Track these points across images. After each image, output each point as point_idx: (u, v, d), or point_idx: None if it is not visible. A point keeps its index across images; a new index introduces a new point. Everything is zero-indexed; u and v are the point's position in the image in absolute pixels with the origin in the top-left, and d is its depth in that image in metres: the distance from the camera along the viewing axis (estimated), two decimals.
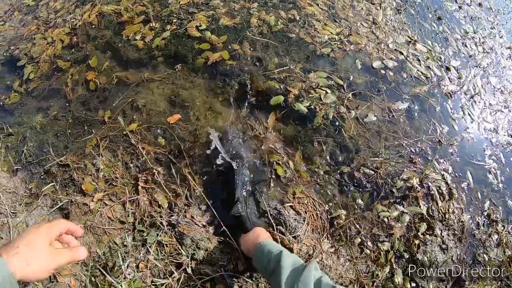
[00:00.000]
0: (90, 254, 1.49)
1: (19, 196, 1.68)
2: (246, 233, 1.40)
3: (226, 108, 1.76)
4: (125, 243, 1.46)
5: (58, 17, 2.29)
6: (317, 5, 2.14)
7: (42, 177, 1.69)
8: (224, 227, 1.46)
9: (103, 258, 1.47)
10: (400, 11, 2.37)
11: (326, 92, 1.78)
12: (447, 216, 1.63)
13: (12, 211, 1.63)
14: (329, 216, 1.57)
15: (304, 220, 1.53)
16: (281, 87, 1.77)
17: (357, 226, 1.56)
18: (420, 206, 1.62)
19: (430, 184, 1.66)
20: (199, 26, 1.94)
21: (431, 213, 1.61)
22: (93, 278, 1.45)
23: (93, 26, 2.13)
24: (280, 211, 1.52)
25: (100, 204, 1.54)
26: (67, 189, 1.62)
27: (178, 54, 1.90)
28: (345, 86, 1.83)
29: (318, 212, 1.57)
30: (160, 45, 1.93)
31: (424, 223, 1.60)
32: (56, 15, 2.33)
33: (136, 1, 2.15)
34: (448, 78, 2.09)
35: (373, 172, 1.64)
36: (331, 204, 1.58)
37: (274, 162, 1.63)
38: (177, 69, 1.85)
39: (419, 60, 2.09)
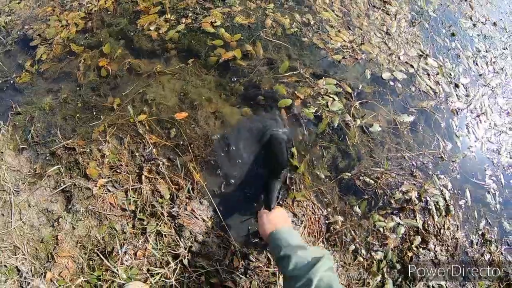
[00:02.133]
0: (89, 238, 1.52)
1: (23, 175, 1.71)
2: (267, 213, 1.34)
3: (234, 108, 1.77)
4: (124, 230, 1.49)
5: (74, 1, 2.29)
6: (333, 11, 2.14)
7: (47, 158, 1.71)
8: (223, 223, 1.50)
9: (102, 243, 1.50)
10: (414, 24, 2.37)
11: (334, 100, 1.78)
12: (442, 231, 1.65)
13: (15, 189, 1.66)
14: (326, 221, 1.59)
15: (301, 223, 1.56)
16: (289, 91, 1.78)
17: (353, 233, 1.58)
18: (416, 220, 1.63)
19: (428, 198, 1.67)
20: (213, 22, 1.95)
21: (427, 227, 1.63)
22: (90, 262, 1.48)
23: (109, 13, 2.14)
24: None
25: (103, 190, 1.57)
26: (71, 172, 1.65)
27: (191, 49, 1.91)
28: (353, 95, 1.84)
29: (316, 216, 1.59)
30: (174, 38, 1.93)
31: (419, 237, 1.62)
32: None
33: None
34: (456, 95, 2.09)
35: (373, 182, 1.66)
36: (329, 209, 1.60)
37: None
38: (189, 64, 1.86)
39: (429, 75, 2.09)
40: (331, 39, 1.99)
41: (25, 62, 2.08)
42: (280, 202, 1.55)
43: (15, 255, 1.50)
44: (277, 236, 1.19)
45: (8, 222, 1.57)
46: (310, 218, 1.58)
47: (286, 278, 1.09)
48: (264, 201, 1.47)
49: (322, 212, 1.59)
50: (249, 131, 1.70)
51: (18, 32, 2.25)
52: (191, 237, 1.46)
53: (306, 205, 1.59)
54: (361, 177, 1.66)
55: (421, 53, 2.20)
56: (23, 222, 1.57)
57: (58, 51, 2.03)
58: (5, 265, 1.48)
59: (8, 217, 1.59)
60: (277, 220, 1.29)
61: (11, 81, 2.01)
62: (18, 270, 1.48)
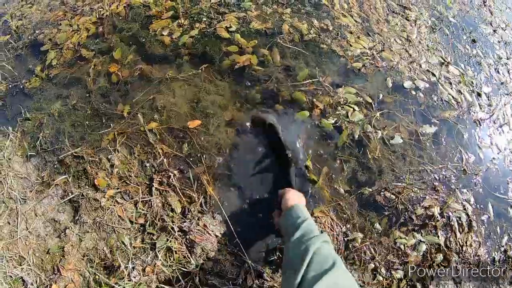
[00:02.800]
0: (96, 251, 1.46)
1: (31, 182, 1.66)
2: (291, 190, 1.39)
3: (249, 116, 1.70)
4: (133, 245, 1.43)
5: (86, 5, 2.26)
6: (352, 16, 2.07)
7: (55, 166, 1.66)
8: (237, 239, 1.41)
9: (109, 257, 1.43)
10: (435, 30, 2.29)
11: (354, 110, 1.71)
12: (464, 248, 1.56)
13: (22, 197, 1.61)
14: (345, 238, 1.51)
15: None
16: (308, 100, 1.71)
17: (373, 251, 1.50)
18: (438, 236, 1.55)
19: (450, 214, 1.58)
20: (228, 27, 1.89)
21: (449, 245, 1.54)
22: (97, 276, 1.42)
23: (120, 18, 2.09)
24: None
25: (112, 201, 1.50)
26: (79, 181, 1.59)
27: (205, 54, 1.85)
28: (373, 104, 1.76)
29: (334, 233, 1.51)
30: (187, 43, 1.88)
31: (441, 254, 1.53)
32: (83, 2, 2.30)
33: None
34: (479, 104, 2.00)
35: (394, 197, 1.57)
36: (348, 225, 1.51)
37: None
38: (202, 70, 1.79)
39: (450, 83, 2.01)
40: (351, 45, 1.92)
41: (35, 67, 2.04)
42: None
43: (20, 265, 1.45)
44: (295, 209, 1.24)
45: (14, 231, 1.52)
46: (329, 235, 1.50)
47: (291, 245, 1.09)
48: (285, 181, 1.53)
49: (341, 228, 1.51)
50: (263, 141, 1.64)
51: (29, 37, 2.23)
52: (203, 254, 1.38)
53: (325, 221, 1.50)
54: (382, 192, 1.58)
55: (442, 61, 2.11)
56: (29, 231, 1.52)
57: (69, 56, 1.99)
58: (10, 276, 1.43)
59: (14, 226, 1.54)
60: (299, 198, 1.35)
61: (21, 86, 1.98)
62: (23, 281, 1.43)
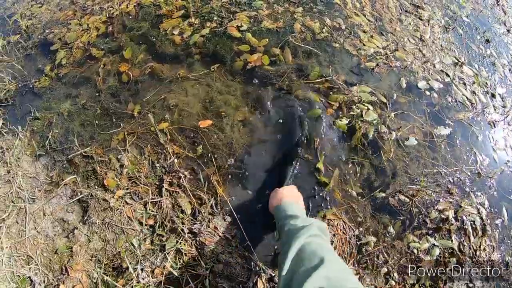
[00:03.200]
0: (105, 252, 1.44)
1: (40, 182, 1.65)
2: (277, 190, 1.36)
3: (262, 115, 1.67)
4: (142, 246, 1.41)
5: (96, 4, 2.25)
6: (364, 15, 2.04)
7: (64, 165, 1.65)
8: (248, 242, 1.38)
9: (118, 258, 1.41)
10: (448, 30, 2.25)
11: (368, 109, 1.67)
12: (477, 253, 1.52)
13: (31, 196, 1.60)
14: (358, 242, 1.47)
15: (332, 244, 1.44)
16: (322, 100, 1.68)
17: (386, 255, 1.46)
18: (452, 240, 1.51)
19: (464, 217, 1.54)
20: (240, 27, 1.86)
21: (462, 249, 1.50)
22: (105, 277, 1.40)
23: (130, 17, 2.08)
24: None
25: (121, 202, 1.48)
26: (88, 181, 1.57)
27: (216, 54, 1.82)
28: (388, 105, 1.72)
29: (347, 237, 1.47)
30: (198, 43, 1.86)
31: (454, 259, 1.48)
32: (93, 2, 2.30)
33: None
34: (493, 105, 1.95)
35: (408, 200, 1.53)
36: (361, 229, 1.48)
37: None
38: (213, 70, 1.77)
39: (465, 84, 1.97)
40: (364, 45, 1.89)
41: (44, 66, 2.04)
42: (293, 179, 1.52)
43: (28, 265, 1.43)
44: (280, 208, 1.22)
45: (22, 230, 1.51)
46: (341, 239, 1.46)
47: (281, 248, 1.05)
48: (278, 180, 1.49)
49: (354, 232, 1.47)
50: (275, 141, 1.61)
51: (39, 36, 2.23)
52: (213, 256, 1.35)
53: (337, 224, 1.46)
54: (395, 195, 1.54)
55: (456, 61, 2.07)
56: (37, 231, 1.51)
57: (78, 55, 1.98)
58: (18, 275, 1.42)
59: (23, 226, 1.53)
60: (285, 195, 1.31)
61: (31, 86, 1.97)
62: (31, 281, 1.41)
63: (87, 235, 1.46)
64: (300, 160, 1.55)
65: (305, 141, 1.59)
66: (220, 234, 1.39)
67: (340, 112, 1.67)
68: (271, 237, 1.43)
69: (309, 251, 0.90)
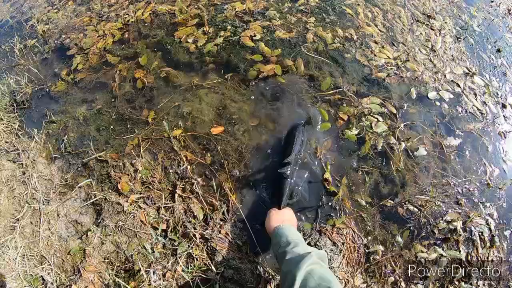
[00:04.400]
0: (117, 254, 1.47)
1: (54, 184, 1.68)
2: (275, 211, 1.38)
3: (274, 125, 1.69)
4: (154, 250, 1.43)
5: (112, 11, 2.31)
6: (376, 25, 2.06)
7: (79, 169, 1.69)
8: (258, 248, 1.40)
9: (130, 261, 1.44)
10: (459, 40, 2.25)
11: (378, 120, 1.68)
12: (485, 264, 1.50)
13: (45, 198, 1.64)
14: (366, 250, 1.48)
15: (340, 252, 1.45)
16: (332, 111, 1.70)
17: (393, 264, 1.46)
18: (460, 251, 1.50)
19: (473, 228, 1.54)
20: (253, 36, 1.90)
21: (470, 259, 1.49)
22: (117, 279, 1.42)
23: (146, 24, 2.13)
24: (317, 242, 1.44)
25: (134, 206, 1.51)
26: (102, 185, 1.61)
27: (229, 63, 1.86)
28: (398, 115, 1.73)
29: (356, 245, 1.48)
30: (212, 51, 1.90)
31: (462, 269, 1.48)
32: (109, 9, 2.36)
33: (191, 3, 2.13)
34: (503, 116, 1.95)
35: (417, 210, 1.53)
36: (369, 238, 1.49)
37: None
38: (227, 78, 1.80)
39: (475, 94, 1.96)
40: (375, 55, 1.91)
41: (61, 70, 2.08)
42: (289, 202, 1.50)
43: (41, 265, 1.47)
44: (279, 232, 1.22)
45: (36, 231, 1.54)
46: (350, 247, 1.47)
47: (282, 274, 1.07)
48: (275, 200, 1.48)
49: (362, 240, 1.48)
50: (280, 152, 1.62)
51: (55, 41, 2.29)
52: (224, 261, 1.37)
53: (346, 233, 1.48)
54: (404, 205, 1.55)
55: (467, 71, 2.07)
56: (51, 232, 1.54)
57: (94, 61, 2.03)
58: (30, 274, 1.45)
59: (37, 226, 1.56)
60: (283, 218, 1.33)
61: (47, 89, 2.02)
62: (43, 280, 1.44)
63: (100, 238, 1.48)
64: (296, 179, 1.55)
65: (299, 157, 1.58)
66: (231, 240, 1.41)
67: (350, 125, 1.68)
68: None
69: (316, 278, 0.91)
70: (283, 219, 1.31)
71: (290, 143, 1.55)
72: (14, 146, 1.80)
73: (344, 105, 1.73)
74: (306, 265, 0.96)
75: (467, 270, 1.50)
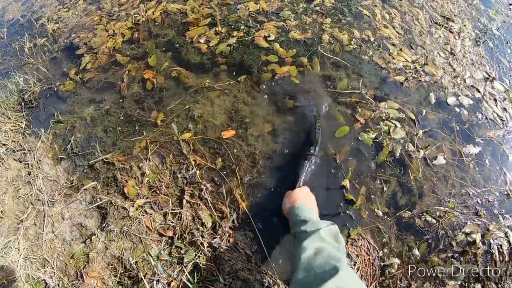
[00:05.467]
0: (121, 260, 1.42)
1: (60, 185, 1.64)
2: (291, 192, 1.34)
3: (289, 128, 1.63)
4: (160, 257, 1.38)
5: (122, 10, 2.28)
6: (393, 27, 1.98)
7: (85, 170, 1.64)
8: (269, 259, 1.33)
9: (134, 268, 1.38)
10: (479, 43, 2.17)
11: (396, 126, 1.61)
12: (503, 279, 1.42)
13: (50, 199, 1.60)
14: (381, 263, 1.41)
15: (354, 265, 1.38)
16: (349, 113, 1.63)
17: (409, 278, 1.39)
18: (478, 265, 1.42)
19: (492, 241, 1.46)
20: (267, 37, 1.84)
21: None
22: (120, 286, 1.38)
23: (156, 24, 2.09)
24: None
25: (141, 211, 1.46)
26: (108, 188, 1.56)
27: (243, 64, 1.80)
28: (416, 121, 1.66)
29: (371, 258, 1.41)
30: (225, 52, 1.84)
31: (479, 284, 1.40)
32: (120, 8, 2.33)
33: (203, 2, 2.09)
34: None
35: (435, 221, 1.46)
36: (385, 250, 1.41)
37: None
38: (240, 80, 1.74)
39: (495, 100, 1.88)
40: (393, 58, 1.83)
41: (69, 70, 2.05)
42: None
43: (44, 268, 1.42)
44: (294, 212, 1.20)
45: (40, 233, 1.50)
46: (364, 260, 1.40)
47: (298, 268, 0.96)
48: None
49: (378, 253, 1.41)
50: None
51: (65, 40, 2.26)
52: (232, 272, 1.30)
53: (361, 245, 1.41)
54: (422, 216, 1.48)
55: (487, 76, 1.98)
56: (55, 235, 1.50)
57: (103, 60, 1.99)
58: (32, 277, 1.41)
59: (40, 228, 1.52)
60: (297, 197, 1.29)
61: (55, 89, 1.99)
62: (45, 283, 1.40)
63: (105, 243, 1.43)
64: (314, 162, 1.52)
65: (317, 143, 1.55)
66: (241, 250, 1.34)
67: (367, 128, 1.62)
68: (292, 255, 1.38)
69: (320, 259, 0.90)
70: (296, 198, 1.27)
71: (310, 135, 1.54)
72: (21, 145, 1.77)
73: (361, 109, 1.66)
74: (314, 244, 0.96)
75: (484, 285, 1.42)
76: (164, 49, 1.96)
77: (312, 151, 1.50)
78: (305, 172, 1.45)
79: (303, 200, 1.27)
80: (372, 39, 1.92)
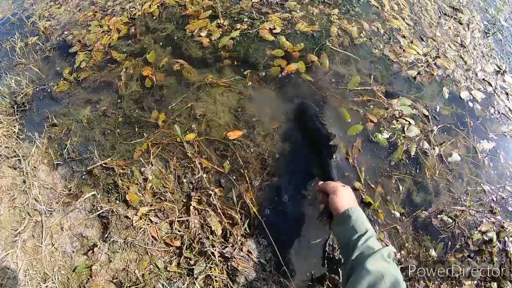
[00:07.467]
0: (127, 273, 1.34)
1: (57, 193, 1.55)
2: (345, 187, 1.17)
3: (298, 127, 1.54)
4: (168, 269, 1.30)
5: (117, 5, 2.17)
6: (403, 19, 1.91)
7: (83, 177, 1.55)
8: (284, 267, 1.26)
9: (141, 281, 1.30)
10: (488, 35, 2.10)
11: (410, 124, 1.54)
12: None
13: (48, 209, 1.50)
14: (399, 266, 1.36)
15: None
16: (361, 112, 1.55)
17: (426, 280, 1.34)
18: (494, 263, 1.38)
19: (507, 239, 1.41)
20: (272, 29, 1.75)
21: (503, 273, 1.37)
22: None
23: (154, 18, 1.99)
24: None
25: (145, 219, 1.37)
26: (109, 195, 1.47)
27: (247, 58, 1.71)
28: (430, 118, 1.59)
29: None
30: (228, 45, 1.74)
31: (495, 283, 1.35)
32: (114, 2, 2.22)
33: None
34: None
35: (451, 221, 1.40)
36: (402, 252, 1.36)
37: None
38: (246, 76, 1.65)
39: (507, 94, 1.82)
40: (404, 51, 1.76)
41: (63, 69, 1.96)
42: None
43: (45, 283, 1.33)
44: (353, 216, 1.04)
45: (39, 246, 1.41)
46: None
47: (348, 265, 0.95)
48: (321, 175, 1.36)
49: (395, 255, 1.35)
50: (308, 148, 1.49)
51: (57, 38, 2.16)
52: (246, 283, 1.23)
53: None
54: (438, 215, 1.42)
55: (498, 69, 1.92)
56: (54, 247, 1.41)
57: (99, 58, 1.89)
58: None
59: (39, 241, 1.43)
60: (352, 197, 1.15)
61: (48, 90, 1.90)
62: None
63: (108, 254, 1.35)
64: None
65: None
66: (254, 259, 1.26)
67: (381, 127, 1.54)
68: (309, 262, 1.31)
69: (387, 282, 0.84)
70: (351, 199, 1.12)
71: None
72: (15, 151, 1.67)
73: (373, 106, 1.59)
74: (379, 264, 0.88)
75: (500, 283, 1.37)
76: (162, 44, 1.86)
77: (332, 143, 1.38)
78: (334, 165, 1.35)
79: (355, 203, 1.12)
80: (381, 31, 1.84)
